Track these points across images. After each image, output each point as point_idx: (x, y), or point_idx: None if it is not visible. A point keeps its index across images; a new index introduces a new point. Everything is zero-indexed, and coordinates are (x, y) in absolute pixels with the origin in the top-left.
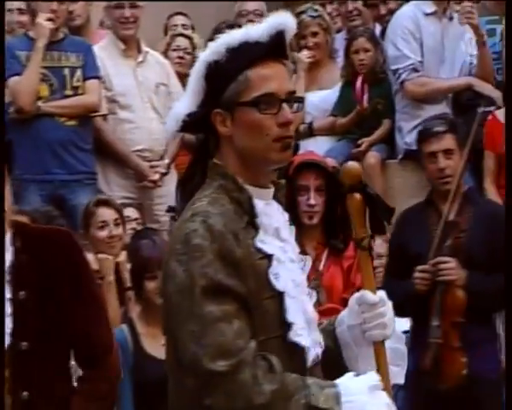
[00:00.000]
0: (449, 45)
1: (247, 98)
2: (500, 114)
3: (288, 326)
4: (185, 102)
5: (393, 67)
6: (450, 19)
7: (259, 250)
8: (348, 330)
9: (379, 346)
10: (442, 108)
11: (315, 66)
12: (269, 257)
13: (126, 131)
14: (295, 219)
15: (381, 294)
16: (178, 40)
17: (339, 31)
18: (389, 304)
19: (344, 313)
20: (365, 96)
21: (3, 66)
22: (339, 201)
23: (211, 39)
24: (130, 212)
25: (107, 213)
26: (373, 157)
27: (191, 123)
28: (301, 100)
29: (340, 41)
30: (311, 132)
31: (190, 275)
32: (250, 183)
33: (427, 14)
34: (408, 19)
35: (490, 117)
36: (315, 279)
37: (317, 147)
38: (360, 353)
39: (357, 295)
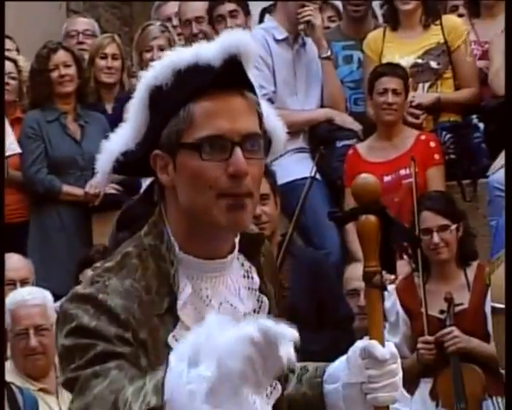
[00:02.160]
0: (301, 74)
1: (189, 139)
2: (362, 148)
3: None
4: (121, 135)
5: None
6: (303, 45)
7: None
8: (343, 389)
9: None
10: (299, 143)
11: None
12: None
13: None
14: None
15: (391, 347)
16: None
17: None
18: (399, 360)
19: (339, 367)
20: None
21: (3, 65)
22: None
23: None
24: None
25: None
26: None
27: (129, 164)
28: (267, 141)
29: None
30: None
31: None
32: (194, 252)
33: (277, 41)
34: (259, 45)
35: (350, 151)
36: None
37: None
38: None
39: (360, 345)
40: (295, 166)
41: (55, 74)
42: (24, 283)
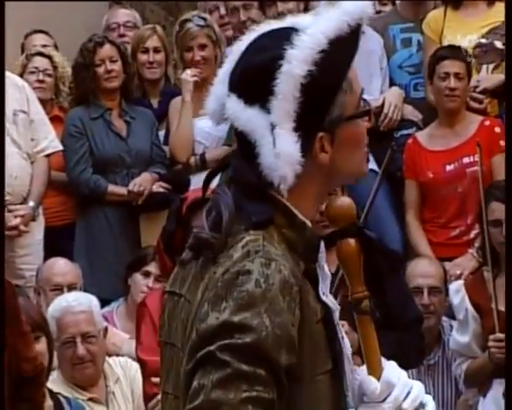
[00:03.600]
0: (361, 64)
1: (353, 109)
2: (421, 137)
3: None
4: (286, 136)
5: None
6: (361, 33)
7: (324, 304)
8: None
9: None
10: None
11: (203, 85)
12: (329, 318)
13: None
14: None
15: (388, 378)
16: (35, 60)
17: (229, 43)
18: (401, 394)
19: None
20: None
21: (3, 65)
22: None
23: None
24: None
25: None
26: None
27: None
28: None
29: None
30: (203, 165)
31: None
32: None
33: None
34: None
35: (410, 140)
36: None
37: (212, 182)
38: None
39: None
40: None
41: (101, 69)
42: (71, 288)
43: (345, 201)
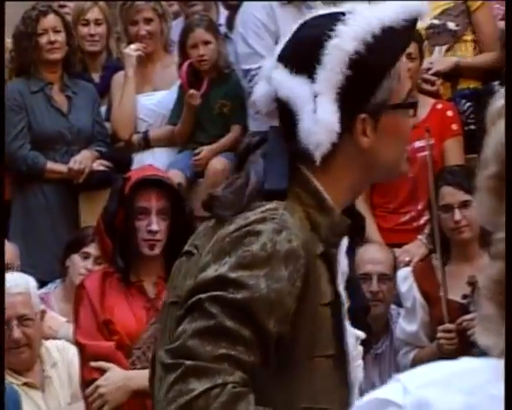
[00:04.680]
0: None
1: (398, 99)
2: None
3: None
4: (328, 104)
5: (244, 67)
6: (310, 8)
7: (337, 295)
8: None
9: None
10: None
11: (147, 61)
12: (338, 306)
13: None
14: (132, 249)
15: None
16: None
17: (175, 17)
18: None
19: None
20: (202, 91)
21: (3, 65)
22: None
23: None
24: None
25: None
26: (219, 162)
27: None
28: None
29: (176, 30)
30: (146, 144)
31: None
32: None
33: (283, 3)
34: (260, 8)
35: None
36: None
37: (156, 160)
38: None
39: None
40: None
41: (43, 40)
42: (7, 269)
43: None
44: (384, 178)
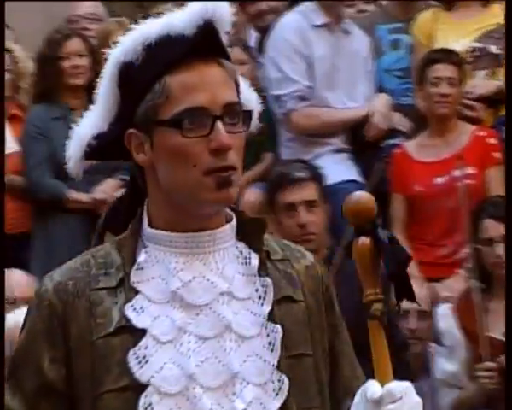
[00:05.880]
0: (344, 66)
1: (167, 116)
2: (410, 147)
3: None
4: (92, 118)
5: (275, 93)
6: (346, 32)
7: (128, 321)
8: None
9: None
10: (337, 143)
11: None
12: (133, 332)
13: None
14: None
15: (392, 387)
16: None
17: None
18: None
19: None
20: None
21: (3, 65)
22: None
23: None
24: None
25: None
26: (253, 195)
27: (102, 147)
28: (248, 113)
29: None
30: None
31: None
32: (171, 226)
33: (316, 27)
34: (292, 32)
35: (398, 150)
36: None
37: None
38: None
39: (363, 386)
40: (335, 168)
41: (67, 64)
42: (26, 302)
43: (363, 196)
44: (194, 207)
